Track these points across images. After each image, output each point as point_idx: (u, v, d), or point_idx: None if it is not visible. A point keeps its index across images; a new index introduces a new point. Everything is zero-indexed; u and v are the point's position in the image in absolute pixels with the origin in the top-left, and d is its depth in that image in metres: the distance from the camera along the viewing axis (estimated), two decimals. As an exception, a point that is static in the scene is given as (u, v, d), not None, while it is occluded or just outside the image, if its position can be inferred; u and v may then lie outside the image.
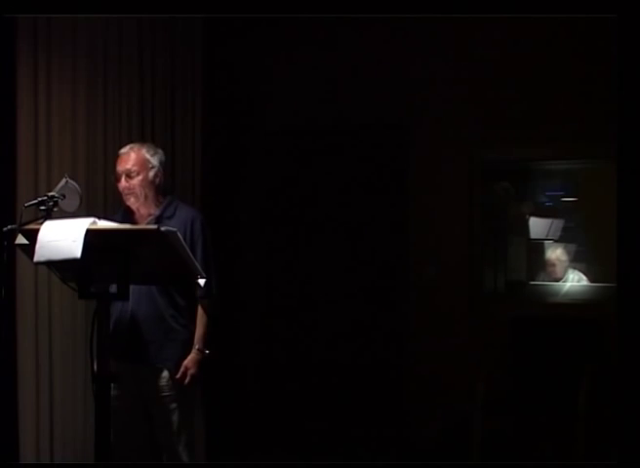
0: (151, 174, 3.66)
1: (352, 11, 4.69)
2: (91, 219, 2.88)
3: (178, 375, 3.60)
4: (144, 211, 3.69)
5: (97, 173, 4.33)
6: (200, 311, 3.67)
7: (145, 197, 3.65)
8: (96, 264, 2.86)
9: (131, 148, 3.70)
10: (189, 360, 3.62)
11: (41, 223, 2.91)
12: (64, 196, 3.10)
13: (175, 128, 4.89)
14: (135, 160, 3.64)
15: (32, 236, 2.88)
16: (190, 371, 3.61)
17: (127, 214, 3.73)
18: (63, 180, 3.14)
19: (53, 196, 3.06)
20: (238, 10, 4.46)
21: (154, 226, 3.07)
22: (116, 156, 3.75)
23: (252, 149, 5.73)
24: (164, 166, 3.77)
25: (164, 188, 3.77)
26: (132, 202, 3.66)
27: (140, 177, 3.63)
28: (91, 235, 2.78)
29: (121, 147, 4.33)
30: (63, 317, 4.10)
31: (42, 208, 3.03)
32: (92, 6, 3.86)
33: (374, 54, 5.39)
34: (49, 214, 3.01)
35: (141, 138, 4.48)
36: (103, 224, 2.98)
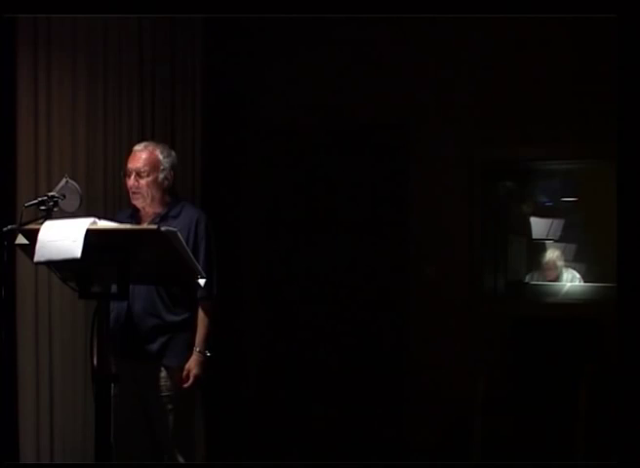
0: (161, 176, 3.66)
1: (352, 11, 4.69)
2: (91, 219, 2.88)
3: (183, 379, 3.60)
4: (150, 210, 3.70)
5: (97, 173, 4.33)
6: (201, 313, 3.66)
7: (152, 198, 3.66)
8: (96, 264, 2.86)
9: (145, 147, 3.70)
10: (191, 362, 3.61)
11: (41, 223, 2.91)
12: (64, 196, 3.10)
13: (175, 128, 4.89)
14: (147, 160, 3.64)
15: (32, 236, 2.88)
16: (193, 373, 3.61)
17: (134, 213, 3.74)
18: (63, 180, 3.14)
19: (53, 196, 3.06)
20: (238, 10, 4.46)
21: (154, 226, 3.08)
22: (130, 152, 3.75)
23: (252, 149, 5.72)
24: (175, 168, 3.77)
25: (172, 190, 3.77)
26: (138, 201, 3.67)
27: (149, 178, 3.63)
28: (91, 235, 2.78)
29: (121, 147, 4.35)
30: (63, 317, 4.10)
31: (42, 208, 3.03)
32: (92, 6, 3.86)
33: (374, 54, 5.39)
34: (49, 214, 3.01)
35: (141, 139, 4.47)
36: (103, 224, 2.98)
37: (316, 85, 5.53)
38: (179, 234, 2.90)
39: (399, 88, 5.35)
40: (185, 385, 3.60)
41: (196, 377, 3.62)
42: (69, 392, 4.13)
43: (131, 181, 3.64)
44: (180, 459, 3.65)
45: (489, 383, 4.73)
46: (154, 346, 3.60)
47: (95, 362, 2.99)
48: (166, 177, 3.68)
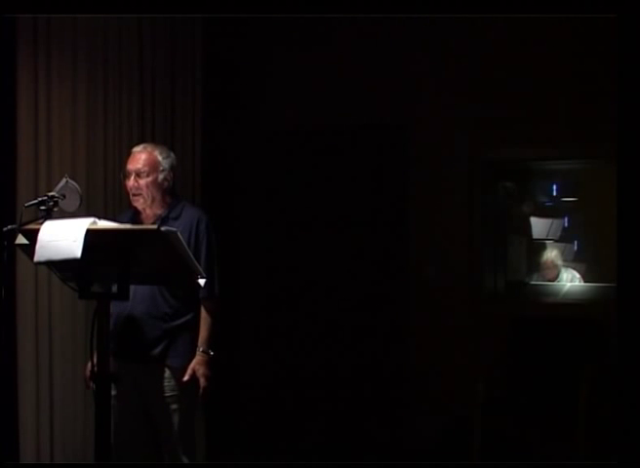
0: (161, 176, 3.66)
1: (352, 11, 4.69)
2: (91, 219, 2.88)
3: (185, 378, 3.58)
4: (151, 211, 3.70)
5: (97, 173, 4.33)
6: (203, 312, 3.65)
7: (153, 199, 3.66)
8: (96, 264, 2.86)
9: (144, 148, 3.72)
10: (196, 362, 3.60)
11: (41, 223, 2.91)
12: (64, 196, 3.10)
13: (175, 128, 4.89)
14: (146, 161, 3.65)
15: (32, 236, 2.88)
16: (201, 373, 3.60)
17: (135, 215, 3.74)
18: (63, 180, 3.15)
19: (53, 196, 3.06)
20: (238, 10, 4.46)
21: (154, 226, 3.08)
22: (128, 154, 3.76)
23: (252, 149, 5.73)
24: (175, 169, 3.78)
25: (172, 190, 3.77)
26: (139, 203, 3.66)
27: (149, 179, 3.63)
28: (91, 235, 2.78)
29: (122, 147, 4.35)
30: (63, 317, 4.10)
31: (42, 208, 3.03)
32: (92, 6, 3.86)
33: (373, 53, 5.39)
34: (49, 214, 3.01)
35: (142, 138, 4.48)
36: (103, 224, 2.99)
37: (316, 85, 5.54)
38: (179, 234, 2.90)
39: (399, 88, 5.35)
40: (202, 387, 3.60)
41: (206, 377, 3.62)
42: (69, 392, 4.13)
43: (131, 182, 3.65)
44: (184, 459, 3.64)
45: (489, 383, 4.73)
46: (158, 348, 3.60)
47: (94, 362, 3.00)
48: (165, 178, 3.69)
